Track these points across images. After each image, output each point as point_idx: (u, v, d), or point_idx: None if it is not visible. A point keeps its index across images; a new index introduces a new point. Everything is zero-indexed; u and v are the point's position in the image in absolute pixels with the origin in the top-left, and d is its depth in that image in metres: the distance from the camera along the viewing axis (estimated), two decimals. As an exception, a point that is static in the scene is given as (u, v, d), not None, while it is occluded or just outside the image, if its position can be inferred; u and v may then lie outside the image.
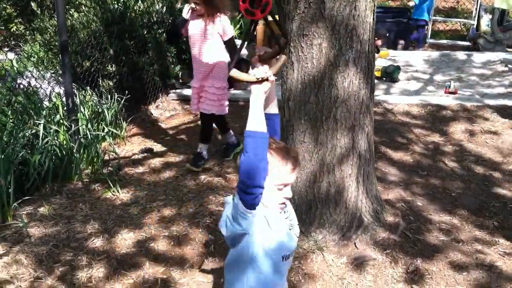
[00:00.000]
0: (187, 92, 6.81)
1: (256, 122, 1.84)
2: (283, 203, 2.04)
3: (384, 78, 7.31)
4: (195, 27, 4.49)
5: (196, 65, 4.59)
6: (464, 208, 3.95)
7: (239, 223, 1.95)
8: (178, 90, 6.90)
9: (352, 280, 3.15)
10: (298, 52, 3.23)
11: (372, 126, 3.55)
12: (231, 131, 5.01)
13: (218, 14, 4.37)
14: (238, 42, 7.99)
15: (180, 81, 7.06)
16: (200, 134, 4.89)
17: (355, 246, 3.43)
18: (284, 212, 2.10)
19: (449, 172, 4.53)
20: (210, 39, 4.44)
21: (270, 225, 1.98)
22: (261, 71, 1.87)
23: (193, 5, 4.34)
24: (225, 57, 4.57)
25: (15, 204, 3.93)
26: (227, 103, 4.71)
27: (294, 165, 1.98)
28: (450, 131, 5.42)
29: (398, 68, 7.40)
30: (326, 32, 3.13)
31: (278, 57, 2.03)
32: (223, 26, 4.40)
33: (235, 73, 1.93)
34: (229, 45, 4.51)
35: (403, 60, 8.41)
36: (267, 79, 1.88)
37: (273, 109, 2.14)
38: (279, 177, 1.96)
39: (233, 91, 6.78)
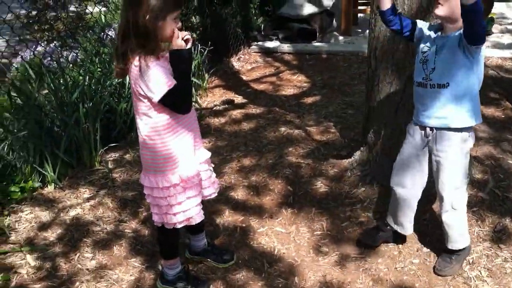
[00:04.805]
0: (269, 44, 6.77)
1: None
2: None
3: (476, 31, 6.90)
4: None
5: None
6: (560, 167, 3.71)
7: None
8: (260, 43, 6.85)
9: (435, 238, 3.05)
10: (387, -2, 3.07)
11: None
12: None
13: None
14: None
15: (262, 33, 7.01)
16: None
17: (440, 202, 3.31)
18: None
19: (544, 129, 4.25)
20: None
21: None
22: None
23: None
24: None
25: (102, 150, 4.08)
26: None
27: None
28: (548, 87, 5.07)
29: (491, 20, 6.95)
30: (419, -25, 2.95)
31: None
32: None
33: None
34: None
35: (497, 12, 7.89)
36: None
37: None
38: None
39: (315, 43, 6.65)
